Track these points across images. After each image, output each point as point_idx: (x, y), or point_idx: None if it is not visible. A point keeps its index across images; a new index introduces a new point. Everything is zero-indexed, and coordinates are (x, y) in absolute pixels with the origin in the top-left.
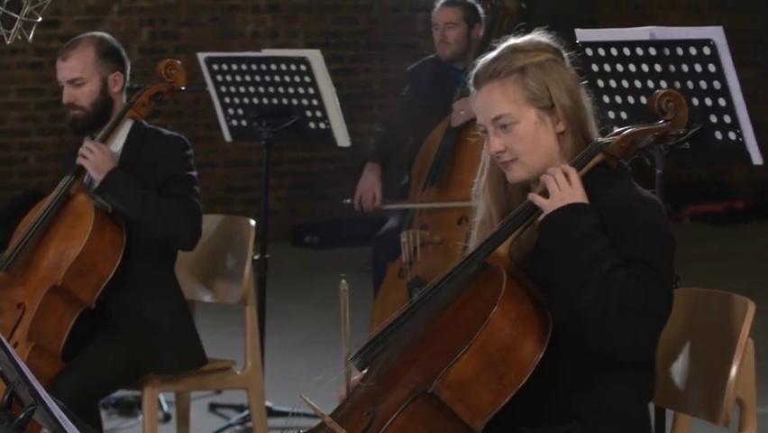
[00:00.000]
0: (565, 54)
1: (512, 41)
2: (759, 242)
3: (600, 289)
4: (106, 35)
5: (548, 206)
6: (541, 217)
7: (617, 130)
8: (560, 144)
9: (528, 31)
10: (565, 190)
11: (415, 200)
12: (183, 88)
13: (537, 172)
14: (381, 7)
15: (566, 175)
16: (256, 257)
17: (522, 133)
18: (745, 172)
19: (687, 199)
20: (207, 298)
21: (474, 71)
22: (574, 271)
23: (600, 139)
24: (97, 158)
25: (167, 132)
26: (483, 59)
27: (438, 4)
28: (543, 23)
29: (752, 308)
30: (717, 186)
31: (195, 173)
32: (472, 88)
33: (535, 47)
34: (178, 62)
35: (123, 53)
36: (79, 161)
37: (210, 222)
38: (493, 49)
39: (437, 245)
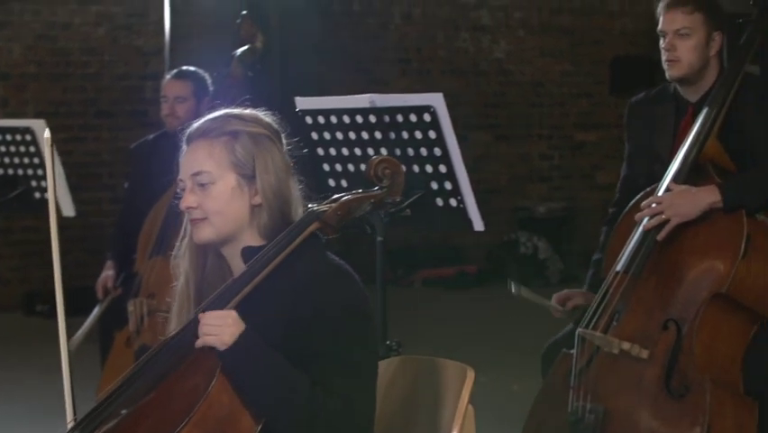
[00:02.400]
0: (284, 140)
1: (234, 109)
2: (489, 306)
3: (301, 417)
4: None
5: (220, 343)
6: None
7: (333, 197)
8: (252, 216)
9: (258, 104)
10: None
11: (140, 270)
12: None
13: (224, 236)
14: (109, 76)
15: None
16: None
17: (217, 193)
18: (477, 236)
19: (418, 264)
20: None
21: (189, 129)
22: (271, 396)
23: (316, 207)
24: None
25: None
26: (201, 119)
27: (168, 76)
28: (273, 90)
29: (471, 374)
30: (450, 250)
31: None
32: (184, 145)
33: (255, 120)
34: None
35: None
36: None
37: None
38: (216, 110)
39: (164, 314)
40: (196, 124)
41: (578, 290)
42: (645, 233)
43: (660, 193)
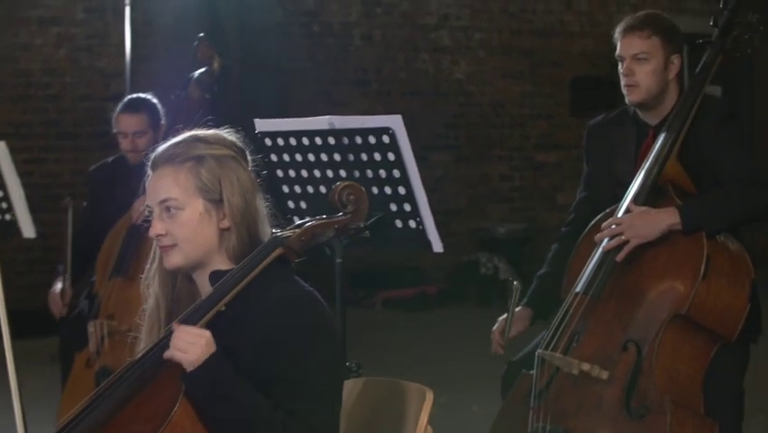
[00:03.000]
0: (249, 157)
1: (198, 131)
2: (449, 327)
3: None
4: None
5: (186, 362)
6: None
7: (296, 223)
8: (221, 240)
9: (217, 125)
10: (193, 347)
11: (100, 291)
12: None
13: (194, 262)
14: (71, 97)
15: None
16: None
17: (185, 220)
18: (437, 257)
19: (379, 285)
20: None
21: (153, 154)
22: (233, 422)
23: (280, 232)
24: None
25: None
26: (165, 143)
27: (119, 109)
28: (232, 112)
29: (430, 396)
30: (410, 271)
31: None
32: (150, 171)
33: (219, 141)
34: None
35: None
36: None
37: None
38: (178, 134)
39: (124, 335)
40: (160, 149)
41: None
42: (605, 254)
43: (620, 214)
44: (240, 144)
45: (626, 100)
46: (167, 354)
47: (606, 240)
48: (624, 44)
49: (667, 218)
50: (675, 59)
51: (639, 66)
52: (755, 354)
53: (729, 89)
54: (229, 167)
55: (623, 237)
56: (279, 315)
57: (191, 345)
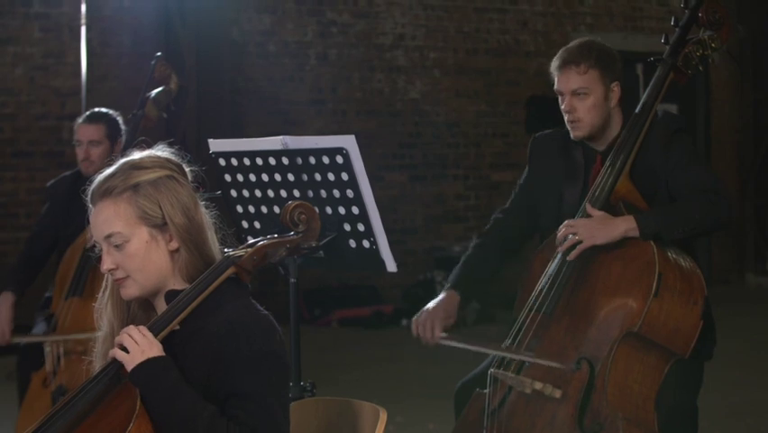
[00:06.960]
0: (187, 169)
1: (132, 156)
2: (404, 346)
3: None
4: None
5: (129, 360)
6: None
7: (249, 242)
8: (173, 262)
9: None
10: (142, 344)
11: (57, 310)
12: None
13: (150, 290)
14: (27, 116)
15: (140, 330)
16: None
17: (133, 251)
18: (393, 276)
19: (335, 304)
20: None
21: (91, 187)
22: (175, 423)
23: (232, 251)
24: None
25: None
26: (101, 174)
27: (80, 120)
28: (189, 131)
29: (383, 415)
30: (366, 289)
31: None
32: (90, 205)
33: (154, 163)
34: None
35: None
36: None
37: None
38: (114, 162)
39: (81, 355)
40: (96, 183)
41: (437, 304)
42: (557, 273)
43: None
44: (175, 160)
45: (571, 135)
46: (110, 354)
47: (558, 258)
48: (561, 80)
49: (623, 224)
50: (615, 87)
51: (580, 102)
52: (710, 371)
53: (686, 107)
54: (167, 188)
55: (577, 237)
56: (232, 337)
57: (137, 347)
